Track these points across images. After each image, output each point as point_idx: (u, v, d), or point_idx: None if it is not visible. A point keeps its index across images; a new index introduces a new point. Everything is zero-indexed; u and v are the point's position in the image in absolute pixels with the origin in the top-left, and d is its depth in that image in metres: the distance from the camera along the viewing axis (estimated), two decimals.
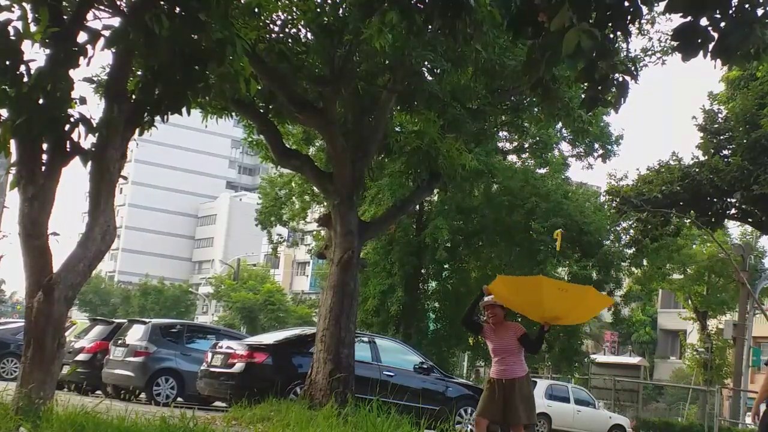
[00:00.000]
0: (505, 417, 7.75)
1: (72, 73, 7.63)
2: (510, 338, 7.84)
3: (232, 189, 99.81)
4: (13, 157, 7.66)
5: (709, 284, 37.38)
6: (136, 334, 16.44)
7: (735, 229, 36.00)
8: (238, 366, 13.41)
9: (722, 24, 5.03)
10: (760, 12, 5.07)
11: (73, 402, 8.29)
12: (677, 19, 5.07)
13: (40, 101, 7.45)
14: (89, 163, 7.86)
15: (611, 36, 5.22)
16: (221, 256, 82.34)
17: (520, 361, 7.88)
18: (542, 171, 27.36)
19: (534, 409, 7.95)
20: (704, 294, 37.56)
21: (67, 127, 7.64)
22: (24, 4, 7.27)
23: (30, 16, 7.29)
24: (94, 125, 7.75)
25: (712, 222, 25.02)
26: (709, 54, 5.06)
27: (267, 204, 28.21)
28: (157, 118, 8.18)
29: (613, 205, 25.86)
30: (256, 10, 10.79)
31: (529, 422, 7.83)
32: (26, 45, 7.40)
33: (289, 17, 12.50)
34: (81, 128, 7.68)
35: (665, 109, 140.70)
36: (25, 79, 7.37)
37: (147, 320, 17.74)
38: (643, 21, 16.11)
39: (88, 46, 7.57)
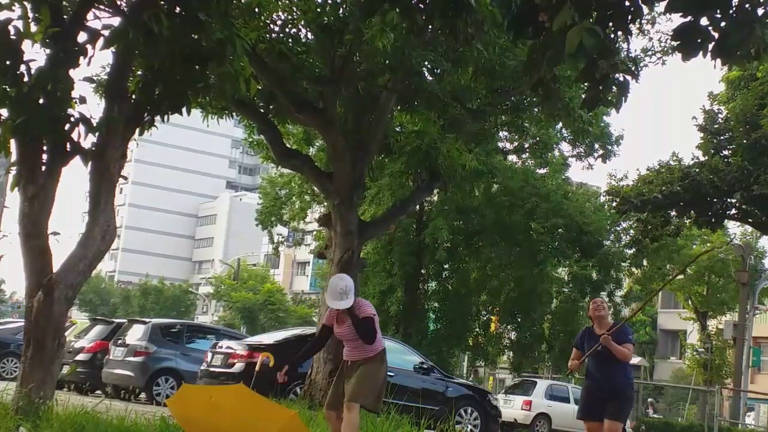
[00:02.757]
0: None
1: (72, 72, 7.64)
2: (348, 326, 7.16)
3: (232, 189, 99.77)
4: (13, 157, 7.66)
5: (709, 284, 37.36)
6: (136, 334, 16.44)
7: (735, 230, 35.99)
8: (238, 366, 13.41)
9: (722, 24, 5.03)
10: (760, 12, 5.06)
11: (73, 402, 8.29)
12: (677, 19, 5.07)
13: (41, 101, 7.44)
14: (89, 163, 7.85)
15: (612, 35, 5.22)
16: (221, 256, 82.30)
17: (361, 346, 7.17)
18: (542, 171, 27.35)
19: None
20: (704, 294, 37.54)
21: (67, 126, 7.63)
22: (25, 3, 7.27)
23: (30, 15, 7.29)
24: (94, 125, 7.75)
25: (713, 222, 24.96)
26: (709, 54, 5.05)
27: (267, 204, 28.20)
28: (158, 117, 8.18)
29: (614, 205, 25.81)
30: (257, 9, 10.80)
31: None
32: (26, 45, 7.41)
33: (290, 17, 12.50)
34: (81, 128, 7.68)
35: (665, 109, 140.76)
36: (26, 79, 7.37)
37: (147, 320, 17.74)
38: (643, 21, 16.12)
39: (88, 46, 7.57)
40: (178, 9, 7.46)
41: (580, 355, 8.02)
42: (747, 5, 5.03)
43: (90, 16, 7.92)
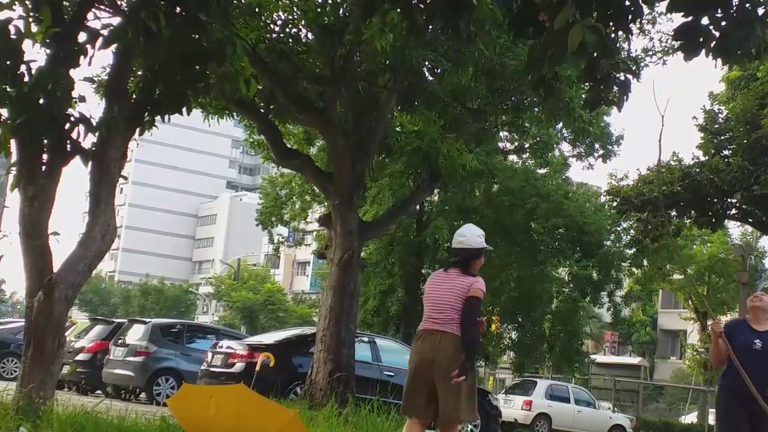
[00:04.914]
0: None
1: (72, 72, 7.63)
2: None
3: (232, 189, 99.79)
4: (13, 157, 7.65)
5: (710, 284, 37.36)
6: (136, 334, 16.44)
7: (735, 230, 36.00)
8: (238, 366, 13.40)
9: (723, 23, 5.03)
10: (761, 11, 5.06)
11: (73, 402, 8.27)
12: (678, 19, 5.07)
13: (41, 101, 7.43)
14: (89, 163, 7.84)
15: (613, 35, 5.22)
16: (221, 256, 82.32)
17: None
18: (543, 171, 27.34)
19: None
20: (704, 294, 37.55)
21: (67, 126, 7.62)
22: (26, 2, 7.26)
23: (31, 15, 7.28)
24: (94, 125, 7.74)
25: (713, 222, 24.94)
26: (710, 53, 5.05)
27: (267, 204, 28.21)
28: (158, 117, 8.17)
29: (614, 205, 25.80)
30: (257, 9, 10.80)
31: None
32: (27, 44, 7.40)
33: (290, 17, 12.50)
34: (81, 128, 7.67)
35: (666, 109, 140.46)
36: (26, 79, 7.35)
37: (147, 320, 17.75)
38: (644, 20, 16.12)
39: (89, 46, 7.56)
40: (178, 9, 7.45)
41: (724, 346, 6.66)
42: (747, 5, 5.03)
43: (90, 15, 7.92)
